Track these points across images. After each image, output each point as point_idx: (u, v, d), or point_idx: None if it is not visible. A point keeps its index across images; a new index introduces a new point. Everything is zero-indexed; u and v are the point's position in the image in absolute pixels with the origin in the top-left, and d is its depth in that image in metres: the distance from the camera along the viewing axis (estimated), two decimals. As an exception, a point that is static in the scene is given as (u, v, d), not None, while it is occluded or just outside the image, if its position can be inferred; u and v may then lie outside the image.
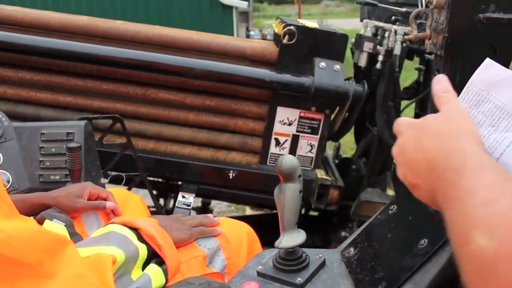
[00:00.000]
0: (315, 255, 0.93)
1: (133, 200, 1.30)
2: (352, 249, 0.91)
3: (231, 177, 1.88)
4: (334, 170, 1.95)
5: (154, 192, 2.40)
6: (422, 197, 0.58)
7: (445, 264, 0.70)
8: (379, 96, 1.71)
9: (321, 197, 1.87)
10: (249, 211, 3.01)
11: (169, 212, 2.38)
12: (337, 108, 1.84)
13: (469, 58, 1.26)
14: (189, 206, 1.67)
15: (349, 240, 0.95)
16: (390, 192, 2.29)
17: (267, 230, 2.40)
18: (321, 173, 1.89)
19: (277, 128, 1.86)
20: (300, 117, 1.84)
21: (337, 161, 2.46)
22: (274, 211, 2.31)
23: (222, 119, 1.88)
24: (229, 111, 1.87)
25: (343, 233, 2.07)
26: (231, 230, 1.10)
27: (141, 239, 0.90)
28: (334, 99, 1.75)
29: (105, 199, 1.15)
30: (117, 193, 1.28)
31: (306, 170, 1.92)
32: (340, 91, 1.72)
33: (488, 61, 0.66)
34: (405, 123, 0.62)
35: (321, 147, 1.90)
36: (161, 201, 2.46)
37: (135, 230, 0.91)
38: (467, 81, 1.30)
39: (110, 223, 0.94)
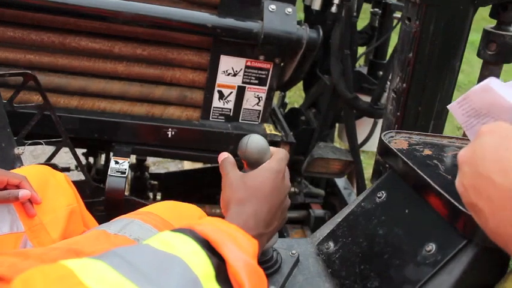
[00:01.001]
0: (286, 252, 0.78)
1: (55, 179, 1.07)
2: (331, 243, 0.77)
3: (169, 135, 1.67)
4: (283, 124, 1.80)
5: (83, 150, 2.16)
6: (483, 225, 0.45)
7: (459, 278, 0.57)
8: (334, 43, 1.54)
9: (270, 154, 1.72)
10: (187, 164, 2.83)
11: (100, 172, 2.15)
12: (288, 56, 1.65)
13: (445, 5, 1.12)
14: (124, 173, 1.46)
15: (325, 231, 0.81)
16: (337, 144, 2.20)
17: (207, 184, 2.25)
18: (269, 128, 1.73)
19: (221, 79, 1.66)
20: (247, 67, 1.64)
21: (282, 110, 2.31)
22: (215, 165, 2.14)
23: (156, 69, 1.64)
24: (165, 61, 1.62)
25: (292, 189, 1.95)
26: (179, 215, 0.92)
27: (221, 276, 0.51)
28: (286, 47, 1.56)
29: (17, 186, 0.92)
30: (35, 173, 1.04)
31: (253, 124, 1.75)
32: (292, 38, 1.53)
33: (486, 85, 0.59)
34: (490, 125, 0.49)
35: (269, 100, 1.73)
36: (91, 159, 2.22)
37: (214, 252, 0.52)
38: (441, 33, 1.16)
39: (181, 231, 0.53)
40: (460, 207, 0.54)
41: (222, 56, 1.61)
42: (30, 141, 1.38)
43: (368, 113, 1.58)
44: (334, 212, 2.04)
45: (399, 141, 0.76)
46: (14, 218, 0.92)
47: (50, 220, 0.98)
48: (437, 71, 1.17)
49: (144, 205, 1.56)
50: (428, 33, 1.13)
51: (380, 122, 1.75)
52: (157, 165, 3.15)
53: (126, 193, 2.27)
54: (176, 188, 2.34)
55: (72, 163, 2.32)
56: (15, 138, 1.36)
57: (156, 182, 2.28)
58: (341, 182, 2.04)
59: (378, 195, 0.73)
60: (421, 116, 1.24)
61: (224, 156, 0.72)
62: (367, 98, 1.65)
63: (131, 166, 2.21)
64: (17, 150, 1.33)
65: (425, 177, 0.62)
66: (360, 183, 1.62)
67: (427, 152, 0.73)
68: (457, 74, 1.22)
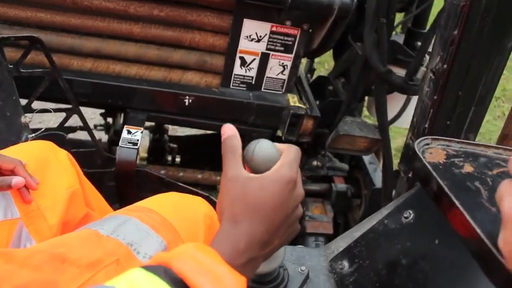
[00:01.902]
0: (295, 267, 0.69)
1: (57, 158, 1.00)
2: (346, 263, 0.68)
3: (187, 103, 1.58)
4: (309, 95, 1.68)
5: (102, 110, 2.09)
6: None
7: None
8: (370, 10, 1.38)
9: (292, 127, 1.62)
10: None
11: (118, 132, 2.09)
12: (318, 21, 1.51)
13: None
14: (136, 144, 1.38)
15: (341, 244, 0.72)
16: (365, 116, 2.07)
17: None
18: (293, 100, 1.62)
19: (243, 44, 1.53)
20: (272, 32, 1.51)
21: (310, 76, 2.18)
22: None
23: (175, 32, 1.52)
24: (183, 23, 1.50)
25: (315, 162, 1.86)
26: (181, 213, 0.83)
27: None
28: (315, 13, 1.42)
29: (12, 171, 0.85)
30: (35, 152, 0.98)
31: (276, 94, 1.64)
32: (323, 3, 1.38)
33: None
34: None
35: (295, 68, 1.60)
36: (109, 119, 2.16)
37: None
38: (495, 8, 1.00)
39: (155, 271, 0.45)
40: (504, 262, 0.44)
41: (245, 20, 1.48)
42: (38, 109, 1.31)
43: (401, 89, 1.44)
44: (357, 187, 1.94)
45: (435, 151, 0.65)
46: (9, 203, 0.86)
47: (48, 205, 0.92)
48: (486, 52, 1.02)
49: (157, 177, 1.51)
50: (479, 8, 0.97)
51: (414, 98, 1.60)
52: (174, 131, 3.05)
53: (145, 154, 2.23)
54: (196, 151, 2.28)
55: (91, 123, 2.28)
56: (23, 105, 1.30)
57: (175, 145, 2.21)
58: (367, 156, 1.93)
59: (405, 215, 0.63)
60: (461, 100, 1.10)
61: (227, 133, 0.60)
62: (401, 71, 1.50)
63: (150, 128, 2.14)
64: (24, 118, 1.27)
65: (463, 212, 0.51)
66: (387, 164, 1.50)
67: (468, 168, 0.61)
68: (508, 56, 1.07)
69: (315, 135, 1.73)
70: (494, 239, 0.47)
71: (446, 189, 0.54)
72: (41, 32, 1.48)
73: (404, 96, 1.64)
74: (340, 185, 1.94)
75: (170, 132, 2.32)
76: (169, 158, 2.20)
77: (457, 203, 0.52)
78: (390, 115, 1.62)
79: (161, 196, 0.89)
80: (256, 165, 0.58)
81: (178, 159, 2.27)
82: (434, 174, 0.57)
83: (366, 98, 1.86)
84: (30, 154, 0.96)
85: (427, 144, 0.66)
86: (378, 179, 1.85)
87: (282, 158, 0.58)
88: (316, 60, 3.73)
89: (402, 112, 1.61)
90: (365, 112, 2.18)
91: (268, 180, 0.55)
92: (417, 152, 0.62)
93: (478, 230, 0.48)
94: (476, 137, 1.16)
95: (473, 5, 0.96)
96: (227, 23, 1.50)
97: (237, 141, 0.59)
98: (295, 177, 0.56)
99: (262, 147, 0.58)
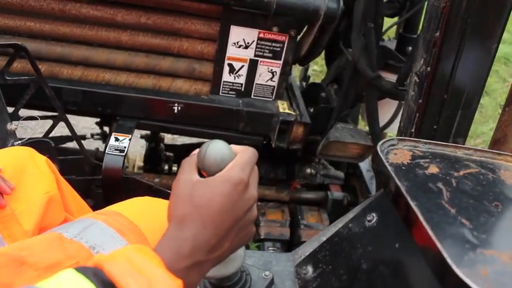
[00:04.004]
0: (259, 272, 0.67)
1: (35, 164, 0.99)
2: (310, 268, 0.65)
3: (176, 111, 1.57)
4: (299, 102, 1.66)
5: (97, 119, 2.10)
6: None
7: None
8: (357, 14, 1.37)
9: (283, 134, 1.60)
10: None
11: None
12: (305, 27, 1.50)
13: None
14: (123, 151, 1.37)
15: (308, 250, 0.70)
16: (362, 125, 2.04)
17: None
18: (283, 106, 1.60)
19: (231, 51, 1.52)
20: (259, 38, 1.50)
21: (305, 84, 2.16)
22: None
23: (163, 40, 1.52)
24: (171, 30, 1.50)
25: (308, 170, 1.83)
26: (150, 217, 0.82)
27: None
28: (302, 18, 1.41)
29: (-17, 177, 0.85)
30: (11, 158, 0.97)
31: (266, 101, 1.62)
32: (309, 8, 1.37)
33: None
34: None
35: (285, 75, 1.59)
36: (106, 129, 2.17)
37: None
38: (475, 9, 0.98)
39: (85, 272, 0.44)
40: (459, 273, 0.41)
41: (232, 27, 1.47)
42: (24, 117, 1.31)
43: (391, 94, 1.42)
44: (354, 195, 1.92)
45: (401, 153, 0.63)
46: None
47: (23, 210, 0.91)
48: (469, 54, 1.00)
49: (146, 185, 1.50)
50: (460, 9, 0.95)
51: (406, 103, 1.58)
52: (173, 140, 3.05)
53: (141, 163, 2.22)
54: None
55: (88, 132, 2.28)
56: (11, 112, 1.30)
57: (171, 154, 2.20)
58: (364, 164, 1.90)
59: (368, 218, 0.61)
60: (447, 104, 1.08)
61: (191, 155, 0.61)
62: (393, 77, 1.48)
63: (145, 137, 2.14)
64: (10, 125, 1.27)
65: (419, 215, 0.48)
66: (379, 170, 1.47)
67: (432, 169, 0.59)
68: (493, 57, 1.04)
69: (308, 143, 1.71)
70: (448, 243, 0.45)
71: (403, 189, 0.52)
72: (31, 41, 1.49)
73: (397, 102, 1.62)
74: (336, 193, 1.92)
75: (169, 141, 2.31)
76: (166, 166, 2.20)
77: (412, 204, 0.50)
78: (384, 121, 1.60)
79: (133, 200, 0.88)
80: (208, 166, 0.56)
81: (175, 168, 2.26)
82: (393, 174, 0.55)
83: (362, 105, 1.84)
84: (7, 160, 0.95)
85: (393, 145, 0.64)
86: (374, 187, 1.82)
87: (235, 159, 0.56)
88: (318, 69, 3.72)
89: (394, 118, 1.59)
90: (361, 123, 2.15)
91: (216, 181, 0.53)
92: (379, 152, 0.60)
93: (430, 233, 0.45)
94: (465, 141, 1.13)
95: (454, 7, 0.94)
96: (214, 30, 1.49)
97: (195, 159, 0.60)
98: (245, 179, 0.54)
99: (215, 148, 0.57)
